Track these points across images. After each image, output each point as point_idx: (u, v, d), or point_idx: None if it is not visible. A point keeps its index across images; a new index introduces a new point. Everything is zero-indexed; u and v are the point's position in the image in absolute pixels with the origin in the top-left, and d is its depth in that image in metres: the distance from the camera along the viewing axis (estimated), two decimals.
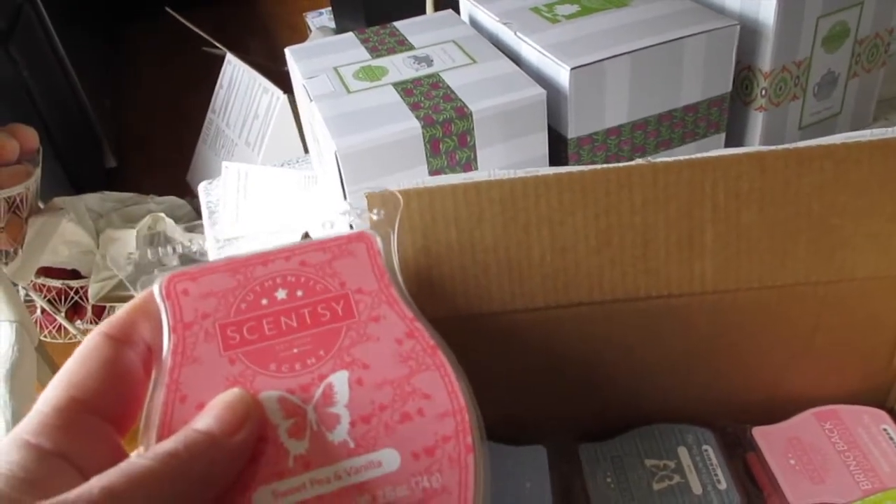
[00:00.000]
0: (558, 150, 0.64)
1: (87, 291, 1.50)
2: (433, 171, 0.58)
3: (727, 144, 0.72)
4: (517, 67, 0.62)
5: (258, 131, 1.59)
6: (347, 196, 0.56)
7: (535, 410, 0.44)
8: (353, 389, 0.29)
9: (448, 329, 0.40)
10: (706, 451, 0.43)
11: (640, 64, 0.61)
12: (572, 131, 0.62)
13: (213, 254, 0.73)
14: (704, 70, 0.64)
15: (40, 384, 1.32)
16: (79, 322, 1.55)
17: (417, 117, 0.56)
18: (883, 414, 0.43)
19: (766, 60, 0.67)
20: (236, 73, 1.69)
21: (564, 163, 0.64)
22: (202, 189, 0.83)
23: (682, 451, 0.43)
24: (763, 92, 0.69)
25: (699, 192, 0.37)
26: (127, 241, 1.50)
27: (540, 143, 0.60)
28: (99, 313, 1.56)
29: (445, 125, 0.56)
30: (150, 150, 2.35)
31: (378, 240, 0.33)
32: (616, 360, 0.42)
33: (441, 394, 0.30)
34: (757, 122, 0.71)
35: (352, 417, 0.29)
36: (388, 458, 0.28)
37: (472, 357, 0.41)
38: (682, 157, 0.37)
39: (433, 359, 0.31)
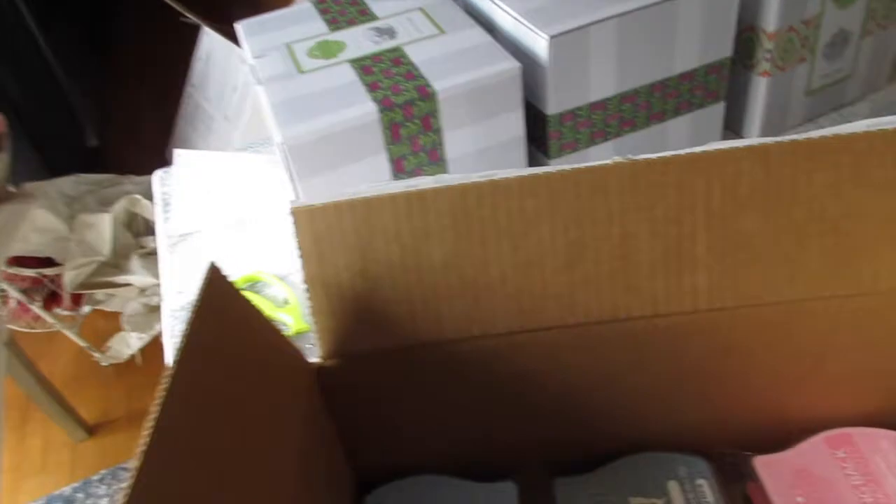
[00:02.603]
0: (537, 128, 0.57)
1: (63, 279, 1.45)
2: (395, 160, 0.51)
3: (727, 114, 0.65)
4: (490, 38, 0.55)
5: (237, 105, 1.52)
6: (300, 192, 0.50)
7: (505, 443, 0.39)
8: None
9: (395, 361, 0.34)
10: (700, 485, 0.37)
11: (627, 28, 0.54)
12: (552, 107, 0.55)
13: (165, 253, 0.67)
14: (701, 33, 0.57)
15: (12, 377, 1.28)
16: (56, 310, 1.50)
17: (375, 100, 0.49)
18: None
19: (770, 20, 0.60)
20: (213, 45, 1.61)
21: (544, 143, 0.57)
22: (156, 179, 0.76)
23: (673, 487, 0.38)
24: (767, 55, 0.62)
25: (689, 194, 0.31)
26: (102, 225, 1.44)
27: (515, 123, 0.54)
28: (77, 301, 1.50)
29: (406, 108, 0.49)
30: (135, 127, 2.28)
31: None
32: (595, 387, 0.36)
33: None
34: (760, 88, 0.64)
35: None
36: None
37: (426, 389, 0.35)
38: (668, 154, 0.30)
39: None
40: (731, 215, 0.31)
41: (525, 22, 0.54)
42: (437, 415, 0.37)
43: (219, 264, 0.30)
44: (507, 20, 0.56)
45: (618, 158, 0.31)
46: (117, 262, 1.48)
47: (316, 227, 0.31)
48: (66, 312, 1.55)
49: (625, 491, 0.38)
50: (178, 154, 0.74)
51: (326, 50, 0.56)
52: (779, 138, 0.30)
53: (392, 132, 0.50)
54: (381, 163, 0.51)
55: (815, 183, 0.31)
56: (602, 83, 0.56)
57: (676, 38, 0.56)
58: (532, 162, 0.60)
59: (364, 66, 0.53)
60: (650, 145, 0.61)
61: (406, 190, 0.31)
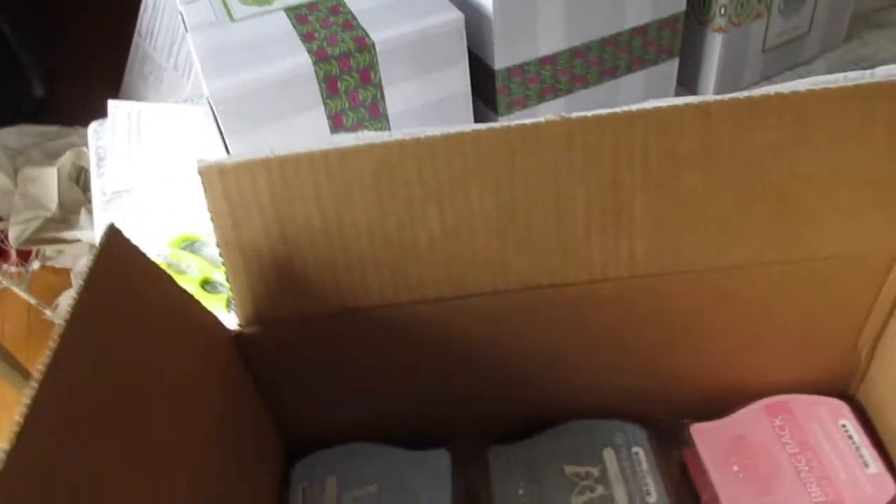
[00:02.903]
0: (485, 83, 0.55)
1: (8, 234, 1.39)
2: (333, 115, 0.49)
3: (681, 71, 0.63)
4: None
5: (187, 55, 1.46)
6: (229, 148, 0.47)
7: (438, 412, 0.37)
8: None
9: (320, 328, 0.33)
10: (636, 453, 0.37)
11: None
12: (499, 61, 0.53)
13: (99, 210, 0.63)
14: None
15: None
16: (4, 266, 1.45)
17: (309, 51, 0.47)
18: (842, 406, 0.37)
19: None
20: None
21: (493, 99, 0.55)
22: (91, 132, 0.72)
23: (609, 455, 0.37)
24: (722, 10, 0.60)
25: (627, 153, 0.29)
26: (48, 179, 1.38)
27: (459, 78, 0.51)
28: (25, 257, 1.45)
29: (342, 60, 0.47)
30: (84, 77, 2.18)
31: None
32: (530, 354, 0.35)
33: None
34: (715, 44, 0.62)
35: None
36: None
37: (354, 356, 0.34)
38: (603, 112, 0.29)
39: None
40: (670, 176, 0.30)
41: None
42: (367, 383, 0.36)
43: (118, 226, 0.27)
44: None
45: (551, 116, 0.29)
46: (65, 217, 1.43)
47: (228, 188, 0.29)
48: (13, 269, 1.49)
49: (560, 459, 0.37)
50: (114, 105, 0.70)
51: None
52: (719, 96, 0.28)
53: (328, 86, 0.47)
54: (319, 118, 0.49)
55: (757, 143, 0.29)
56: (551, 37, 0.53)
57: None
58: (480, 119, 0.58)
59: (299, 15, 0.50)
60: (603, 102, 0.59)
61: (324, 149, 0.29)
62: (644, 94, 0.61)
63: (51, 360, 0.22)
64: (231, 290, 0.32)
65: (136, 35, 1.66)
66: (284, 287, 0.31)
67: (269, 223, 0.30)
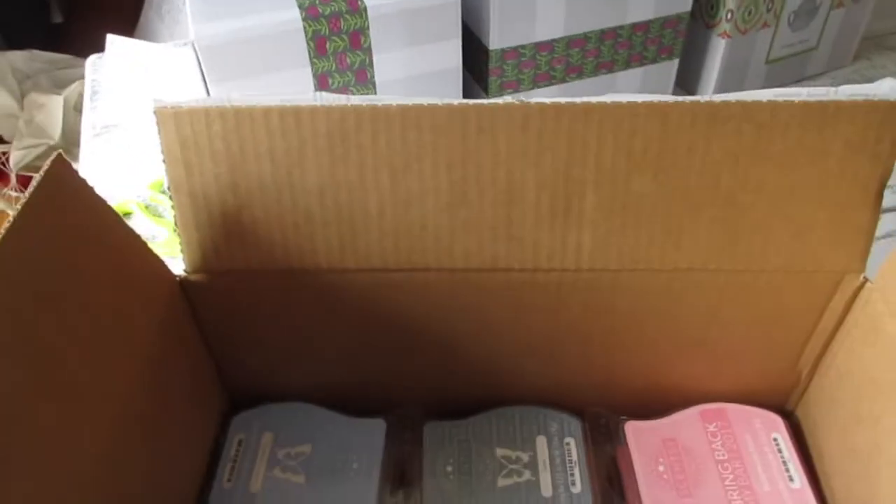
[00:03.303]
0: (478, 62, 0.55)
1: (10, 158, 1.40)
2: (319, 75, 0.49)
3: (681, 73, 0.63)
4: None
5: None
6: (210, 95, 0.47)
7: (378, 381, 0.38)
8: None
9: (265, 284, 0.33)
10: (568, 443, 0.37)
11: None
12: (495, 42, 0.52)
13: (87, 144, 0.63)
14: None
15: None
16: (4, 190, 1.46)
17: (300, 7, 0.46)
18: (777, 420, 0.37)
19: None
20: None
21: (484, 78, 0.55)
22: (89, 64, 0.72)
23: (541, 442, 0.37)
24: (729, 15, 0.59)
25: (581, 145, 0.29)
26: (54, 107, 1.38)
27: (451, 53, 0.51)
28: (25, 182, 1.46)
29: (333, 20, 0.46)
30: (104, 8, 2.17)
31: None
32: (472, 335, 0.35)
33: None
34: (718, 49, 0.62)
35: None
36: None
37: (298, 316, 0.34)
38: (562, 100, 0.28)
39: None
40: (622, 173, 0.30)
41: None
42: (309, 344, 0.36)
43: (65, 157, 0.27)
44: None
45: (509, 98, 0.29)
46: (67, 148, 1.43)
47: (182, 131, 0.29)
48: (13, 193, 1.50)
49: (493, 441, 0.37)
50: (112, 41, 0.70)
51: None
52: (680, 98, 0.28)
53: (317, 45, 0.47)
54: (305, 77, 0.48)
55: (713, 150, 0.29)
56: (549, 23, 0.53)
57: None
58: (470, 96, 0.57)
59: None
60: (597, 95, 0.59)
61: (280, 104, 0.29)
62: (640, 90, 0.61)
63: None
64: (180, 234, 0.32)
65: None
66: (232, 238, 0.32)
67: (220, 171, 0.30)
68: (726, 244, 0.31)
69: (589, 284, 0.33)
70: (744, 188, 0.30)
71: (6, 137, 1.41)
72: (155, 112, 0.29)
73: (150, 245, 0.32)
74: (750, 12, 0.59)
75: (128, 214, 0.57)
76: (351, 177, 0.30)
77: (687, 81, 0.66)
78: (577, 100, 0.28)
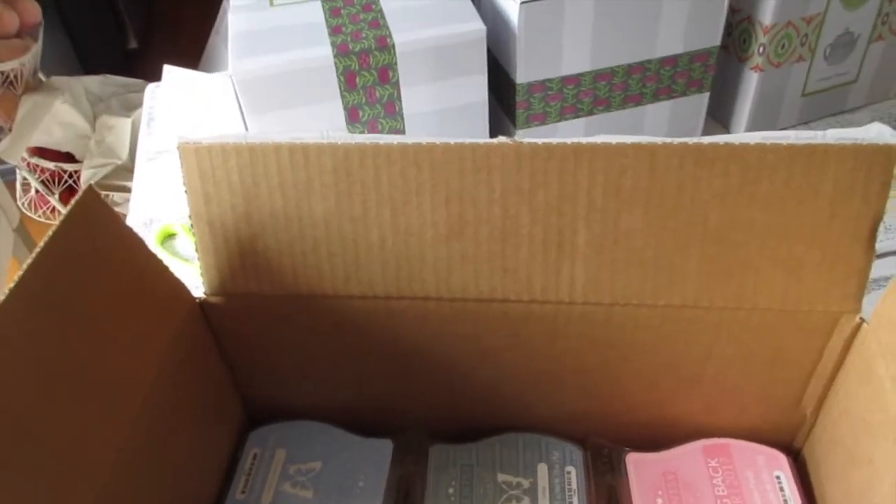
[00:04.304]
0: (506, 94, 0.57)
1: (81, 175, 1.48)
2: (349, 108, 0.51)
3: (714, 106, 0.63)
4: None
5: None
6: (248, 127, 0.50)
7: (383, 404, 0.39)
8: None
9: (276, 308, 0.35)
10: (569, 472, 0.38)
11: (606, 3, 0.52)
12: (522, 76, 0.54)
13: (141, 167, 0.68)
14: (689, 17, 0.55)
15: (18, 263, 1.33)
16: None
17: (332, 44, 0.49)
18: (781, 457, 0.37)
19: (767, 12, 0.57)
20: None
21: (512, 111, 0.56)
22: (148, 92, 0.77)
23: (542, 470, 0.38)
24: (761, 49, 0.59)
25: (572, 184, 0.30)
26: (123, 129, 1.46)
27: (477, 87, 0.53)
28: None
29: (362, 56, 0.49)
30: (179, 34, 2.28)
31: None
32: (472, 363, 0.36)
33: None
34: (751, 82, 0.62)
35: None
36: None
37: (306, 340, 0.36)
38: (553, 141, 0.30)
39: None
40: (612, 211, 0.31)
41: None
42: (318, 366, 0.38)
43: (96, 188, 0.30)
44: None
45: (503, 139, 0.30)
46: (133, 168, 1.51)
47: (202, 165, 0.32)
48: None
49: (495, 466, 0.38)
50: (168, 71, 0.74)
51: None
52: (668, 139, 0.29)
53: (347, 79, 0.50)
54: (336, 109, 0.51)
55: (702, 189, 0.30)
56: (576, 57, 0.54)
57: (660, 19, 0.54)
58: (499, 128, 0.59)
59: (333, 8, 0.53)
60: (625, 128, 0.60)
61: (290, 142, 0.31)
62: (669, 124, 0.61)
63: (4, 300, 0.25)
64: (199, 259, 0.34)
65: (224, 2, 1.73)
66: (246, 264, 0.34)
67: (236, 202, 0.32)
68: (718, 282, 0.32)
69: (583, 317, 0.34)
70: (733, 227, 0.31)
71: (78, 157, 1.50)
72: (178, 147, 0.32)
73: (190, 265, 0.34)
74: (783, 46, 0.59)
75: (172, 235, 0.60)
76: (355, 210, 0.32)
77: (721, 114, 0.66)
78: (568, 140, 0.30)
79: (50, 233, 0.28)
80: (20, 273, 0.26)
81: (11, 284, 0.26)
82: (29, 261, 0.27)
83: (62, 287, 0.28)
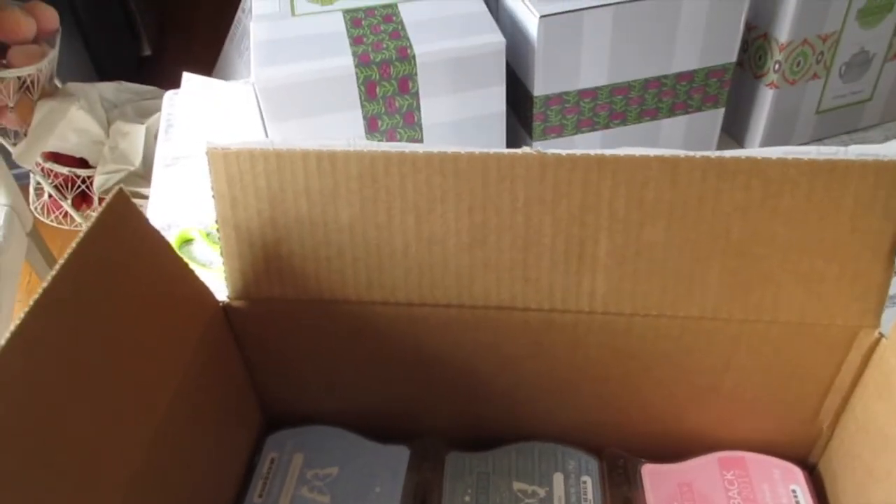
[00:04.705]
0: (524, 107, 0.57)
1: (94, 181, 1.49)
2: (369, 117, 0.52)
3: (729, 121, 0.63)
4: (484, 8, 0.54)
5: None
6: (269, 134, 0.51)
7: (404, 410, 0.40)
8: None
9: (300, 312, 0.35)
10: (584, 482, 0.38)
11: (624, 19, 0.52)
12: (539, 88, 0.55)
13: (159, 174, 0.68)
14: (705, 34, 0.55)
15: (30, 266, 1.33)
16: (86, 210, 1.55)
17: (354, 54, 0.50)
18: (797, 471, 0.37)
19: (783, 30, 0.58)
20: None
21: (529, 123, 0.57)
22: (166, 99, 0.78)
23: (558, 479, 0.38)
24: (777, 66, 0.60)
25: (594, 194, 0.31)
26: (137, 135, 1.47)
27: (496, 99, 0.53)
28: None
29: (383, 66, 0.49)
30: (192, 40, 2.31)
31: None
32: (493, 371, 0.37)
33: None
34: (766, 99, 0.62)
35: None
36: None
37: (329, 345, 0.36)
38: (577, 152, 0.30)
39: None
40: (634, 222, 0.31)
41: None
42: (340, 372, 0.38)
43: (126, 192, 0.31)
44: None
45: (527, 149, 0.30)
46: (146, 174, 1.52)
47: (230, 170, 0.32)
48: (95, 214, 1.60)
49: (510, 474, 0.39)
50: (187, 78, 0.75)
51: None
52: (690, 153, 0.30)
53: (367, 89, 0.50)
54: (356, 118, 0.52)
55: (723, 203, 0.30)
56: (593, 71, 0.55)
57: (677, 36, 0.55)
58: (516, 140, 0.60)
59: (355, 19, 0.53)
60: (641, 141, 0.60)
61: (318, 149, 0.31)
62: (685, 138, 0.61)
63: (31, 307, 0.25)
64: (224, 263, 0.35)
65: (239, 9, 1.75)
66: (270, 269, 0.34)
67: (262, 207, 0.33)
68: (738, 294, 0.32)
69: (603, 327, 0.34)
70: (754, 240, 0.31)
71: (92, 162, 1.51)
72: (207, 152, 0.32)
73: (207, 270, 0.35)
74: (798, 63, 0.60)
75: (190, 241, 0.61)
76: (379, 216, 0.32)
77: (735, 130, 0.66)
78: (591, 151, 0.30)
79: (81, 235, 0.29)
80: (52, 274, 0.27)
81: (44, 284, 0.26)
82: (61, 262, 0.27)
83: (92, 289, 0.29)
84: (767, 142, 0.64)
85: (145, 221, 0.32)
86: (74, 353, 0.27)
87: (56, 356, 0.27)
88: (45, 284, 0.26)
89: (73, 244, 0.28)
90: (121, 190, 0.31)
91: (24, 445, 0.24)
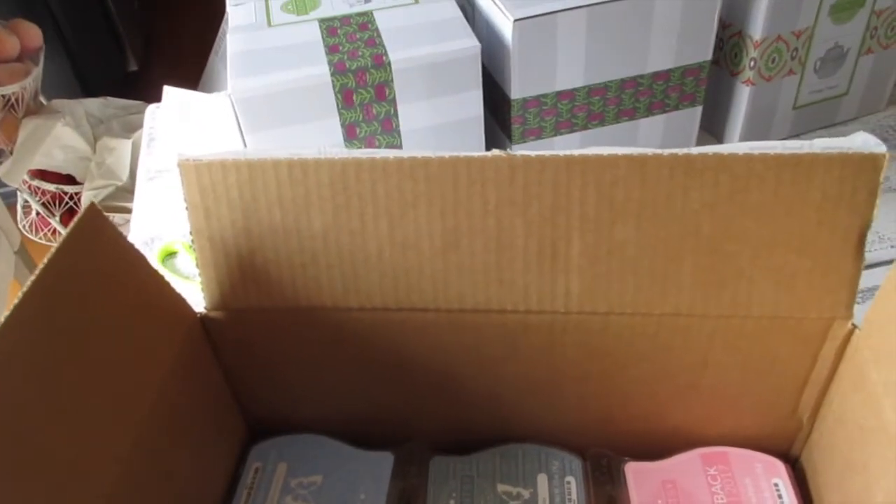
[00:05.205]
0: (502, 110, 0.57)
1: (81, 197, 1.49)
2: (347, 125, 0.52)
3: (707, 119, 0.64)
4: (459, 13, 0.54)
5: None
6: (247, 146, 0.51)
7: (385, 415, 0.40)
8: None
9: (277, 321, 0.35)
10: (568, 483, 0.38)
11: (598, 20, 0.53)
12: (516, 91, 0.55)
13: (142, 187, 0.68)
14: (679, 33, 0.56)
15: (19, 285, 1.33)
16: None
17: (329, 63, 0.50)
18: (779, 465, 0.38)
19: (757, 27, 0.58)
20: None
21: (508, 126, 0.57)
22: (148, 113, 0.78)
23: (542, 480, 0.38)
24: (752, 63, 0.60)
25: (565, 195, 0.31)
26: (124, 150, 1.47)
27: (473, 103, 0.53)
28: None
29: (359, 74, 0.50)
30: (178, 55, 2.30)
31: None
32: (472, 373, 0.37)
33: None
34: (743, 96, 0.62)
35: None
36: None
37: (307, 352, 0.36)
38: (546, 153, 0.30)
39: None
40: (605, 222, 0.31)
41: (497, 2, 0.53)
42: (319, 378, 0.38)
43: (98, 206, 0.31)
44: None
45: (497, 151, 0.31)
46: (133, 189, 1.52)
47: (202, 181, 0.32)
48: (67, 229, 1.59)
49: (495, 477, 0.39)
50: (167, 92, 0.75)
51: (300, 6, 0.57)
52: (658, 150, 0.30)
53: (344, 97, 0.50)
54: (333, 127, 0.52)
55: (692, 199, 0.31)
56: (570, 73, 0.55)
57: (651, 35, 0.55)
58: (495, 144, 0.60)
59: (330, 28, 0.53)
60: (620, 141, 0.61)
61: (288, 158, 0.31)
62: (663, 137, 0.62)
63: (3, 323, 0.25)
64: (200, 274, 0.35)
65: (223, 23, 1.75)
66: (246, 279, 0.34)
67: (236, 217, 0.33)
68: (711, 290, 0.32)
69: (579, 327, 0.34)
70: (725, 236, 0.31)
71: (79, 179, 1.50)
72: (178, 164, 0.32)
73: (191, 282, 0.35)
74: (773, 60, 0.60)
75: (173, 254, 0.61)
76: (352, 223, 0.33)
77: (714, 127, 0.67)
78: (560, 153, 0.30)
79: (53, 249, 0.29)
80: (23, 289, 0.27)
81: (16, 300, 0.26)
82: (33, 277, 0.27)
83: (65, 303, 0.29)
84: (746, 138, 0.65)
85: (119, 235, 0.32)
86: (48, 367, 0.27)
87: (30, 371, 0.27)
88: (15, 301, 0.26)
89: (45, 259, 0.28)
90: (92, 204, 0.31)
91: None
